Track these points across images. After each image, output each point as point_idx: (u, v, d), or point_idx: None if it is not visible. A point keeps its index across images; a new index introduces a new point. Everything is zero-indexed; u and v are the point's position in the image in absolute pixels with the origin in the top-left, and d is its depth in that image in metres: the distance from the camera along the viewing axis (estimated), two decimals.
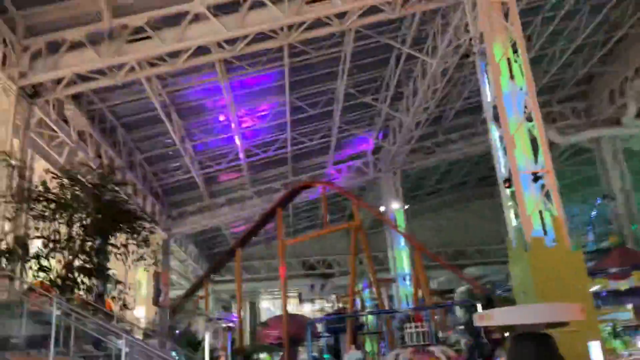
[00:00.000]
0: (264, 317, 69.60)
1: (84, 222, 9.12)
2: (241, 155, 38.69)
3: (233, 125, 34.45)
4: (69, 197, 8.88)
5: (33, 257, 8.54)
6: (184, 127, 33.85)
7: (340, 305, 49.81)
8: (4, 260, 8.40)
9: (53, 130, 24.72)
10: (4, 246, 8.47)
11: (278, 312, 57.20)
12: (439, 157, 46.06)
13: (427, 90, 33.62)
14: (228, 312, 41.13)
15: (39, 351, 6.02)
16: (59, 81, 22.18)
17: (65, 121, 26.35)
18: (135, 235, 10.14)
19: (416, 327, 16.55)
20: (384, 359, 16.77)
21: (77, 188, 8.98)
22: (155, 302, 11.13)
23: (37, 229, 8.85)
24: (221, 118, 34.37)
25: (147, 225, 10.48)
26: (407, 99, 36.98)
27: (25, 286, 8.49)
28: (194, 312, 39.60)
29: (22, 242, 8.51)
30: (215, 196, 43.44)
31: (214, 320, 36.39)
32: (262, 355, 51.97)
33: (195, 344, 33.82)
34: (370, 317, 43.90)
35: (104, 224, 9.29)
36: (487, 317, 9.80)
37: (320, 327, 43.38)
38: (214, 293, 61.39)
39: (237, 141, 36.59)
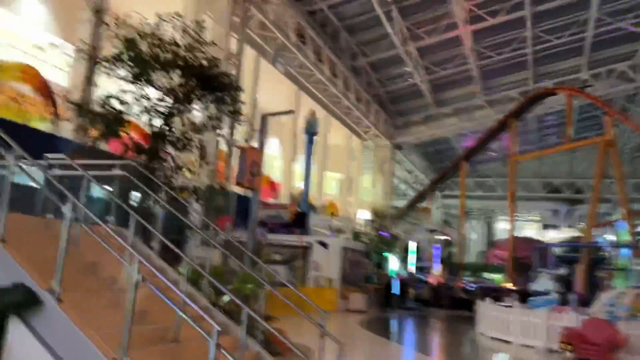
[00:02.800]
0: (499, 237, 66.19)
1: (165, 84, 8.43)
2: (470, 59, 34.81)
3: (460, 22, 30.74)
4: (151, 56, 8.24)
5: (113, 118, 8.26)
6: (406, 27, 31.72)
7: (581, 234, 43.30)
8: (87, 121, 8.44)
9: (272, 31, 25.51)
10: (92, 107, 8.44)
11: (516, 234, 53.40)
12: None
13: None
14: (448, 227, 39.60)
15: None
16: None
17: (286, 23, 27.04)
18: (224, 106, 9.13)
19: None
20: (602, 296, 13.27)
21: (162, 47, 8.25)
22: (238, 181, 10.04)
23: (123, 92, 8.49)
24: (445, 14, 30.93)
25: (237, 96, 9.31)
26: None
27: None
28: (415, 221, 39.27)
29: (103, 103, 8.36)
30: (442, 105, 40.76)
31: (433, 232, 35.41)
32: (494, 275, 49.84)
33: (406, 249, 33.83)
34: (623, 251, 37.15)
35: (191, 88, 8.49)
36: None
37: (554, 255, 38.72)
38: (442, 207, 60.34)
39: (466, 41, 32.76)
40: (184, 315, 3.66)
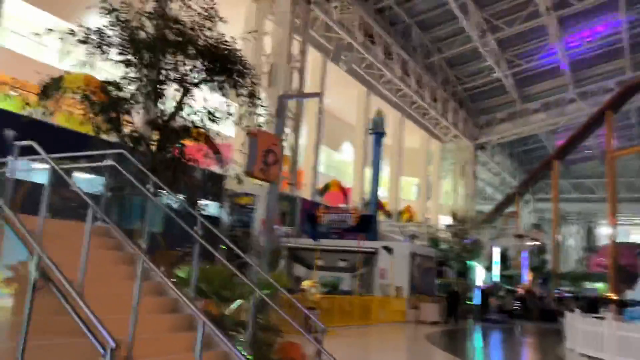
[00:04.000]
0: (601, 243, 60.81)
1: (166, 66, 7.57)
2: (558, 48, 31.99)
3: (544, 8, 28.30)
4: (155, 37, 7.48)
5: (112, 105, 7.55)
6: (483, 18, 29.79)
7: None
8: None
9: (336, 32, 24.85)
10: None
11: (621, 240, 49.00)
12: None
13: None
14: (540, 232, 36.37)
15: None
16: None
17: (353, 24, 26.25)
18: (238, 89, 8.09)
19: None
20: None
21: (168, 26, 7.43)
22: (247, 171, 8.19)
23: (125, 77, 7.72)
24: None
25: (251, 76, 8.17)
26: None
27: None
28: (501, 226, 36.62)
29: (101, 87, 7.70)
30: (529, 100, 37.87)
31: (521, 237, 32.72)
32: (597, 284, 45.85)
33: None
34: None
35: (198, 71, 7.59)
36: None
37: None
38: (535, 211, 56.30)
39: (552, 29, 30.12)
40: (80, 323, 2.90)
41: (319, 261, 17.09)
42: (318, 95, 11.97)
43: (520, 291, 26.04)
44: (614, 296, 28.05)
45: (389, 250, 15.67)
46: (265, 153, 8.31)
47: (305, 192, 24.57)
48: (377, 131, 20.87)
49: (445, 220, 37.82)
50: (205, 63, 7.83)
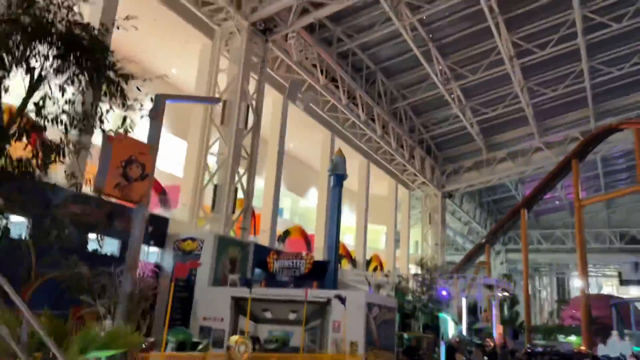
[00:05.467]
0: (574, 295, 60.11)
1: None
2: (522, 97, 32.05)
3: (507, 57, 28.37)
4: None
5: None
6: (447, 66, 29.74)
7: None
8: None
9: (297, 72, 24.22)
10: None
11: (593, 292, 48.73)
12: None
13: None
14: (506, 282, 35.28)
15: None
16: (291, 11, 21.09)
17: (315, 66, 25.75)
18: (105, 86, 6.55)
19: None
20: None
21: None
22: (99, 188, 6.45)
23: None
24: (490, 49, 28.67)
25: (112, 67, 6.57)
26: None
27: None
28: (471, 276, 35.45)
29: None
30: (495, 149, 37.71)
31: (490, 287, 31.49)
32: (570, 337, 44.87)
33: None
34: None
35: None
36: None
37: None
38: (507, 262, 55.50)
39: (515, 77, 30.21)
40: None
41: (266, 313, 15.51)
42: (217, 101, 10.68)
43: (490, 345, 24.61)
44: (586, 350, 26.83)
45: (341, 299, 14.29)
46: (125, 164, 6.76)
47: (265, 239, 23.13)
48: (337, 173, 19.84)
49: (414, 269, 36.56)
50: (57, 49, 6.43)
